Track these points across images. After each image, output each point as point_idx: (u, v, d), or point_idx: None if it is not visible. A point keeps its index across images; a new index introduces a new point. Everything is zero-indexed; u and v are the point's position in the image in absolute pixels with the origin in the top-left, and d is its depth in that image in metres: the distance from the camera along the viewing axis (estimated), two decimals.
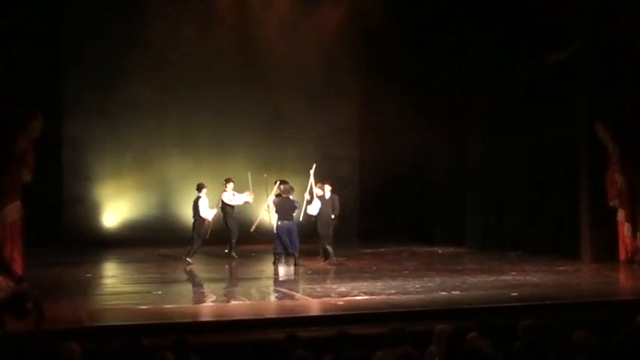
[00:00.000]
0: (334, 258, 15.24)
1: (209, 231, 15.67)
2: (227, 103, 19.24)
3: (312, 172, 15.87)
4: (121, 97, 18.67)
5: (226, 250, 16.11)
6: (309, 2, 18.00)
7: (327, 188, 15.90)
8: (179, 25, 18.04)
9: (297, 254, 14.84)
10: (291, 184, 15.45)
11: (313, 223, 15.57)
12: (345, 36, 18.96)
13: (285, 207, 14.79)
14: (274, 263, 14.95)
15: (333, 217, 15.82)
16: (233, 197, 15.93)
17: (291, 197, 15.00)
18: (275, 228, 14.92)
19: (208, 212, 15.46)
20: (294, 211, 14.92)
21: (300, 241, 15.02)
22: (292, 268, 14.68)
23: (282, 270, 14.61)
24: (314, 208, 15.45)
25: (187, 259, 15.17)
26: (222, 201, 15.94)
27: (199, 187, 15.54)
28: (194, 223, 15.48)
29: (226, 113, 19.24)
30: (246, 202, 16.22)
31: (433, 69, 18.51)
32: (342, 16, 17.82)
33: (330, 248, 15.36)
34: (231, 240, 16.00)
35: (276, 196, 15.45)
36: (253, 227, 16.27)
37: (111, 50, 18.44)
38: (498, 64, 17.28)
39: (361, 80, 20.10)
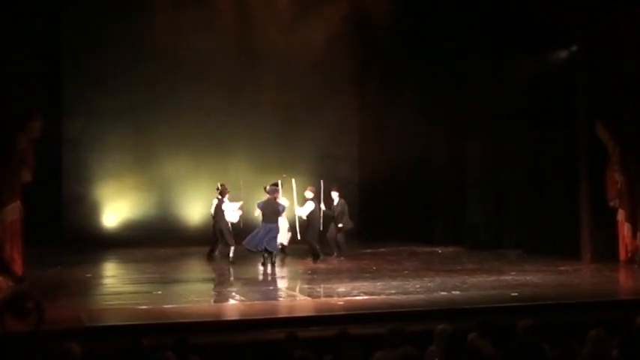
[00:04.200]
0: (320, 258, 15.36)
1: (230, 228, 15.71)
2: (227, 103, 19.23)
3: (293, 183, 16.02)
4: (121, 97, 18.66)
5: (215, 253, 16.08)
6: (309, 2, 17.99)
7: (335, 194, 16.10)
8: (179, 26, 17.99)
9: (274, 254, 14.80)
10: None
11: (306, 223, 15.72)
12: (345, 36, 18.90)
13: (270, 209, 14.70)
14: (263, 264, 14.85)
15: (340, 225, 15.95)
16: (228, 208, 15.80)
17: (277, 199, 14.95)
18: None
19: (233, 215, 15.49)
20: (279, 214, 14.88)
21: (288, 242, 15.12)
22: (268, 267, 14.62)
23: (274, 270, 14.57)
24: (305, 210, 15.51)
25: (232, 260, 15.23)
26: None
27: (223, 193, 15.54)
28: (218, 226, 15.48)
29: (226, 113, 19.23)
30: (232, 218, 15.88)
31: (433, 69, 18.50)
32: (342, 15, 17.78)
33: (316, 246, 15.50)
34: (217, 241, 15.93)
35: (273, 184, 15.37)
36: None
37: (111, 50, 18.44)
38: (498, 63, 17.28)
39: (361, 80, 20.12)
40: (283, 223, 15.66)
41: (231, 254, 15.34)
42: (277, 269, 14.73)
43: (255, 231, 14.67)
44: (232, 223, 15.65)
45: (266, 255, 14.69)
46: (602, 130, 14.61)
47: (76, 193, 18.78)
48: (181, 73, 18.86)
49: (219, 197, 15.59)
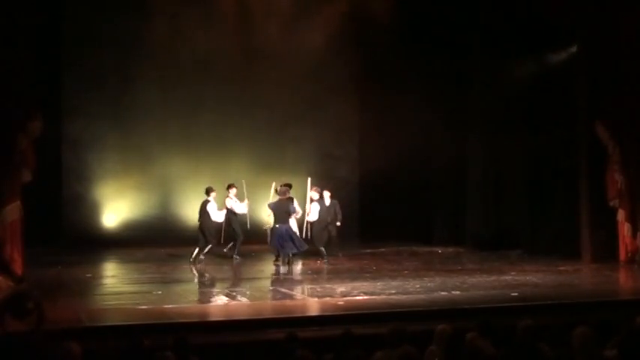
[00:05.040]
0: (326, 260, 15.40)
1: (222, 234, 15.72)
2: (227, 103, 19.24)
3: (308, 183, 15.98)
4: (121, 97, 18.68)
5: (225, 250, 16.04)
6: (309, 2, 18.00)
7: (327, 194, 16.07)
8: (180, 25, 18.03)
9: (300, 252, 14.83)
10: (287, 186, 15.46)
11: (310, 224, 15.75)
12: (345, 36, 18.92)
13: (281, 209, 14.73)
14: (275, 263, 14.92)
15: (338, 223, 16.00)
16: (236, 205, 15.79)
17: (288, 199, 14.97)
18: (274, 230, 14.86)
19: (218, 215, 15.49)
20: (290, 214, 14.89)
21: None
22: (291, 267, 14.65)
23: (282, 270, 14.60)
24: (313, 215, 15.59)
25: (201, 257, 15.26)
26: (226, 207, 15.84)
27: (208, 191, 15.53)
28: (201, 226, 15.47)
29: (227, 113, 19.24)
30: (243, 213, 15.96)
31: (433, 69, 18.49)
32: (342, 15, 17.80)
33: (323, 249, 15.52)
34: (236, 241, 15.90)
35: (281, 186, 15.40)
36: (266, 226, 16.08)
37: (111, 50, 18.43)
38: (498, 63, 17.28)
39: (361, 80, 20.11)
40: (292, 223, 15.67)
41: (203, 252, 15.32)
42: (277, 269, 14.73)
43: (281, 238, 14.65)
44: (217, 224, 15.65)
45: (279, 254, 14.80)
46: (602, 130, 14.61)
47: (76, 193, 18.78)
48: (181, 73, 18.87)
49: (205, 197, 15.61)
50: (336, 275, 13.69)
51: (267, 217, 15.45)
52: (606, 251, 14.68)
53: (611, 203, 14.73)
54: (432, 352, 6.62)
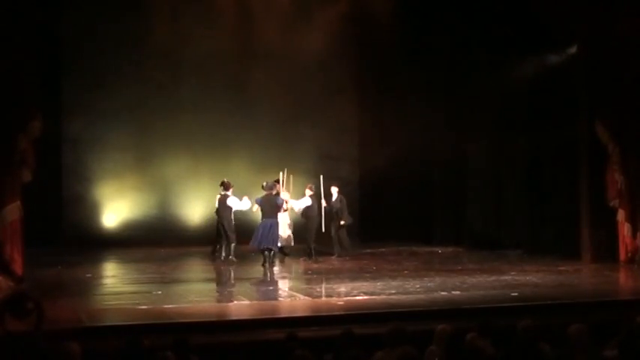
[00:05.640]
0: (313, 259, 15.48)
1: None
2: (227, 102, 19.24)
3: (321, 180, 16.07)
4: (121, 97, 18.67)
5: (217, 252, 16.00)
6: (309, 2, 18.00)
7: (334, 190, 16.10)
8: (179, 25, 18.04)
9: (274, 251, 14.74)
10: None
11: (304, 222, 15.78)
12: (345, 36, 18.93)
13: (268, 204, 14.72)
14: (263, 264, 14.84)
15: (342, 222, 16.13)
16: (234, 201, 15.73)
17: (274, 193, 14.97)
18: (259, 226, 14.85)
19: (242, 205, 15.42)
20: (277, 209, 14.88)
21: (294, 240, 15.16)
22: (267, 266, 14.56)
23: (274, 270, 14.56)
24: (300, 203, 15.59)
25: (232, 258, 15.19)
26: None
27: (227, 186, 15.43)
28: (221, 222, 15.40)
29: (226, 113, 19.24)
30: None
31: (433, 69, 18.51)
32: (342, 15, 17.80)
33: (313, 245, 15.60)
34: (221, 240, 15.84)
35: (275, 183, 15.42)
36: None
37: (111, 50, 18.45)
38: (499, 63, 17.28)
39: (361, 80, 20.13)
40: (284, 218, 15.67)
41: (231, 252, 15.33)
42: (277, 269, 14.74)
43: (257, 230, 14.65)
44: (234, 222, 15.61)
45: (266, 253, 14.68)
46: (602, 130, 14.61)
47: (76, 193, 18.79)
48: (181, 73, 18.88)
49: (223, 192, 15.53)
50: (336, 275, 13.69)
51: (255, 212, 15.45)
52: (606, 251, 14.69)
53: (611, 203, 14.73)
54: (432, 352, 6.62)
